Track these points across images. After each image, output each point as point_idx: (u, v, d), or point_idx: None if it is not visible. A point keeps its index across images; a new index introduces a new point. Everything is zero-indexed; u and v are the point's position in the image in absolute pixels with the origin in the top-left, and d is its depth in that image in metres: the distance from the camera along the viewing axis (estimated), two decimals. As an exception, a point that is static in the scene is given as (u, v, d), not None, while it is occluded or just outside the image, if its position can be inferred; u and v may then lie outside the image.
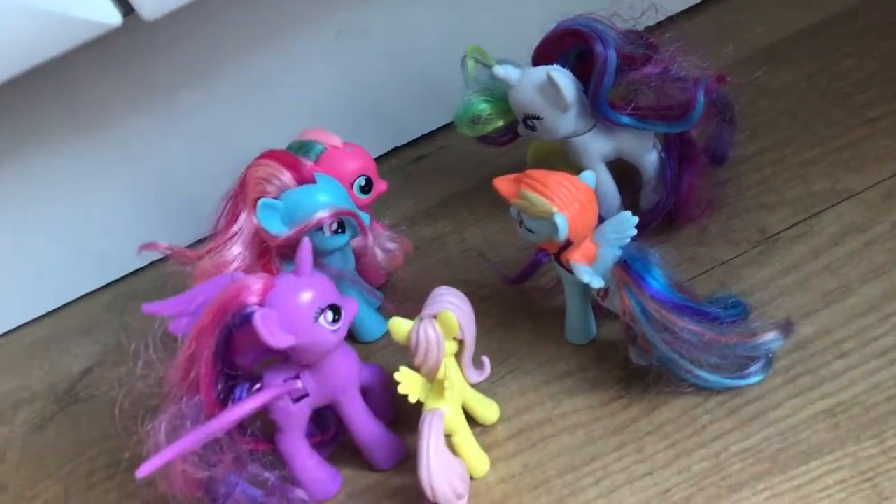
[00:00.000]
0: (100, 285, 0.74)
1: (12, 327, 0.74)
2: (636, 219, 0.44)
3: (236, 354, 0.43)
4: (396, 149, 0.74)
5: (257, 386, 0.44)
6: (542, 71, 0.50)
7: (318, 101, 0.71)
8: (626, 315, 0.43)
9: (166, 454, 0.40)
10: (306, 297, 0.42)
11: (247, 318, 0.41)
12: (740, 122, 0.54)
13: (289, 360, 0.44)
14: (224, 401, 0.43)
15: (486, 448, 0.47)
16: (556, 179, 0.44)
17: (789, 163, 0.55)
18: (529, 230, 0.45)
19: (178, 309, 0.44)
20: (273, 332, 0.40)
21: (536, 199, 0.44)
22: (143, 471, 0.40)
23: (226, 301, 0.41)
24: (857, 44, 0.61)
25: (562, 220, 0.43)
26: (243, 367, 0.43)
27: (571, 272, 0.46)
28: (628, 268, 0.43)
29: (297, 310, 0.41)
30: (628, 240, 0.45)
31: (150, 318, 0.67)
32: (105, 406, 0.61)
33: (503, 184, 0.45)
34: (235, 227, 0.51)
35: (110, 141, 0.69)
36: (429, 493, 0.41)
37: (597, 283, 0.44)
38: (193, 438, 0.40)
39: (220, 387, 0.42)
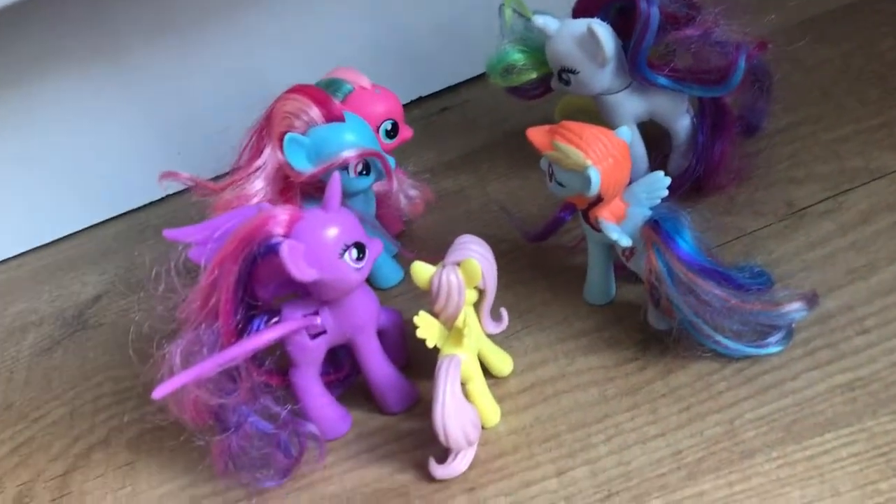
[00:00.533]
0: (112, 215, 0.74)
1: (24, 250, 0.73)
2: (668, 179, 0.44)
3: (258, 285, 0.42)
4: (420, 98, 0.73)
5: (276, 319, 0.43)
6: (583, 23, 0.49)
7: (346, 40, 0.69)
8: (652, 275, 0.43)
9: (182, 378, 0.40)
10: (333, 232, 0.41)
11: (272, 249, 0.40)
12: (776, 94, 0.53)
13: (309, 295, 0.44)
14: (242, 330, 0.42)
15: (498, 399, 0.47)
16: (593, 132, 0.43)
17: (822, 138, 0.54)
18: (560, 184, 0.45)
19: (201, 236, 0.44)
20: (298, 264, 0.40)
21: (571, 150, 0.43)
22: (158, 392, 0.40)
23: (252, 230, 0.40)
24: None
25: (595, 174, 0.42)
26: (263, 299, 0.43)
27: (598, 230, 0.45)
28: (658, 227, 0.42)
29: (322, 244, 0.41)
30: (659, 200, 0.44)
31: (160, 249, 0.67)
32: (113, 333, 0.61)
33: (537, 134, 0.45)
34: (259, 162, 0.50)
35: (133, 69, 0.68)
36: (442, 437, 0.41)
37: (625, 241, 0.44)
38: (210, 364, 0.40)
39: (239, 316, 0.42)
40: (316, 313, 0.44)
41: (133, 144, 0.71)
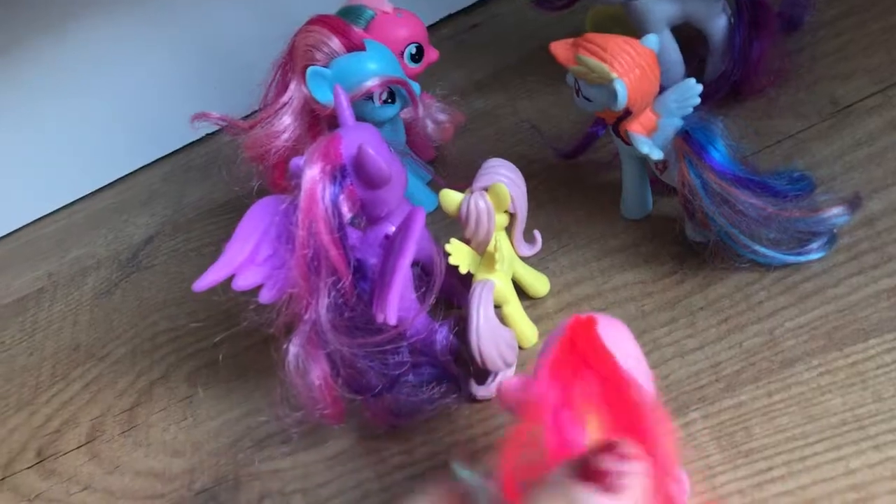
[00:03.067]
0: (158, 157, 0.75)
1: (77, 198, 0.76)
2: (700, 87, 0.42)
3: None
4: (450, 16, 0.71)
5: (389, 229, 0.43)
6: (606, -74, 0.46)
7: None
8: (685, 188, 0.42)
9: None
10: (371, 131, 0.42)
11: (344, 177, 0.40)
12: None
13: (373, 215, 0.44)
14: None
15: (536, 320, 0.47)
16: (617, 43, 0.42)
17: (870, 28, 0.51)
18: (587, 98, 0.44)
19: (236, 262, 0.42)
20: (384, 156, 0.40)
21: (595, 63, 0.42)
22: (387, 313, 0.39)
23: (326, 163, 0.39)
24: None
25: (621, 87, 0.41)
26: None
27: (629, 143, 0.44)
28: (689, 138, 0.41)
29: (377, 138, 0.42)
30: (691, 109, 0.42)
31: (206, 188, 0.69)
32: (165, 273, 0.63)
33: (560, 48, 0.43)
34: (285, 97, 0.50)
35: (160, 9, 0.68)
36: (478, 359, 0.42)
37: (656, 154, 0.43)
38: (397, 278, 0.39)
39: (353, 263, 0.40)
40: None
41: (170, 85, 0.72)
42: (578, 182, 0.53)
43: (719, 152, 0.40)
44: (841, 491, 0.36)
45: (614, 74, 0.41)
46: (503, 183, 0.43)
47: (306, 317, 0.40)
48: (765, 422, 0.39)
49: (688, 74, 0.52)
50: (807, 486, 0.36)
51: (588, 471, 0.25)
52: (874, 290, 0.41)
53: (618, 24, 0.54)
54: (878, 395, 0.38)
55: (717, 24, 0.50)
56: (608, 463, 0.25)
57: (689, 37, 0.51)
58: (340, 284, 0.40)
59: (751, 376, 0.41)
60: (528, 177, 0.55)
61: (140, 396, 0.55)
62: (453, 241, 0.44)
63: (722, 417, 0.40)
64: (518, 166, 0.55)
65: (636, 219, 0.49)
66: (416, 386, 0.44)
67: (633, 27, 0.51)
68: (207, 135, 0.73)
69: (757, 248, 0.42)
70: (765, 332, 0.42)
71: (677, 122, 0.42)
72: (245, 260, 0.42)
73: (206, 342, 0.55)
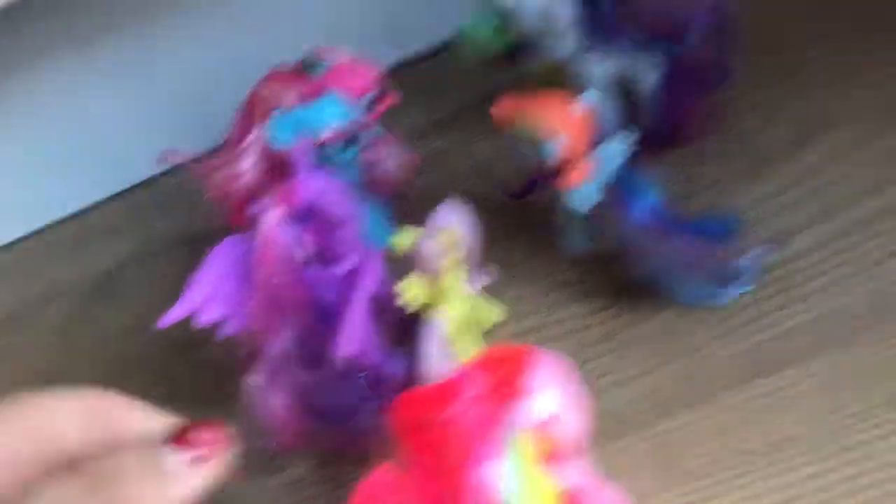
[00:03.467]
0: (125, 187, 0.76)
1: (39, 227, 0.77)
2: (628, 139, 0.45)
3: None
4: (408, 59, 0.74)
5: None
6: (544, -10, 0.50)
7: (331, 11, 0.71)
8: (615, 232, 0.45)
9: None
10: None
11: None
12: (745, 39, 0.54)
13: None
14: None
15: (486, 352, 0.50)
16: (551, 103, 0.45)
17: (796, 82, 0.55)
18: (525, 154, 0.47)
19: (200, 298, 0.44)
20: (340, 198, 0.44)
21: (531, 123, 0.45)
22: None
23: (283, 206, 0.43)
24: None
25: (553, 145, 0.44)
26: None
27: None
28: (619, 187, 0.45)
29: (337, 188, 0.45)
30: (622, 160, 0.46)
31: (173, 219, 0.71)
32: (130, 305, 0.65)
33: (499, 110, 0.47)
34: (247, 142, 0.53)
35: (132, 45, 0.70)
36: (430, 391, 0.45)
37: (588, 203, 0.46)
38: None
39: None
40: None
41: (139, 116, 0.73)
42: (528, 220, 0.57)
43: (647, 201, 0.44)
44: None
45: (549, 133, 0.44)
46: (454, 223, 0.46)
47: (267, 351, 0.43)
48: (698, 445, 0.42)
49: (625, 127, 0.56)
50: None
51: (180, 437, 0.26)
52: (795, 323, 0.45)
53: (563, 74, 0.58)
54: (799, 420, 0.42)
55: (650, 80, 0.54)
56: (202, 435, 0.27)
57: (626, 91, 0.55)
58: (299, 321, 0.43)
59: (685, 403, 0.44)
60: (482, 214, 0.58)
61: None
62: (406, 278, 0.47)
63: (657, 441, 0.43)
64: (473, 204, 0.59)
65: (577, 256, 0.52)
66: (375, 414, 0.46)
67: (573, 83, 0.55)
68: (177, 167, 0.75)
69: (686, 286, 0.46)
70: (697, 361, 0.45)
71: (609, 172, 0.46)
72: (208, 296, 0.44)
73: (172, 372, 0.57)
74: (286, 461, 0.49)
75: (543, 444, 0.31)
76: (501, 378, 0.31)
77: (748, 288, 0.47)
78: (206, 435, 0.27)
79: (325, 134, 0.50)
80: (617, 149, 0.45)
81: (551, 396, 0.32)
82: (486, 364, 0.31)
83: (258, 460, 0.48)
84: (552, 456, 0.32)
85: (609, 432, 0.44)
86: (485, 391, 0.30)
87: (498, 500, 0.28)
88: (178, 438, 0.26)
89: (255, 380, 0.43)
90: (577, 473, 0.34)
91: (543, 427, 0.31)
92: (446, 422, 0.29)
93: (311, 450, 0.48)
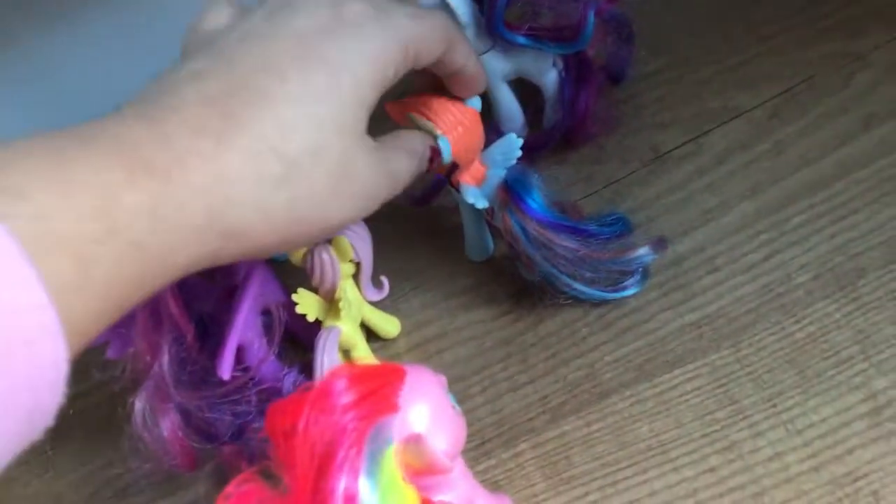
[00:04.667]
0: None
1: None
2: (521, 140, 0.46)
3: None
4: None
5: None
6: (437, -8, 0.50)
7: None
8: (508, 234, 0.45)
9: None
10: None
11: None
12: (640, 40, 0.54)
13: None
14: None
15: (387, 360, 0.50)
16: (441, 104, 0.45)
17: (686, 81, 0.56)
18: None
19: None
20: None
21: (422, 122, 0.45)
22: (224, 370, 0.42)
23: None
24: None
25: (445, 143, 0.44)
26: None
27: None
28: (509, 189, 0.45)
29: None
30: (514, 161, 0.46)
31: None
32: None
33: (393, 108, 0.46)
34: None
35: (23, 59, 0.68)
36: (321, 405, 0.44)
37: (481, 203, 0.46)
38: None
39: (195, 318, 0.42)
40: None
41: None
42: (429, 227, 0.56)
43: (536, 202, 0.44)
44: (644, 511, 0.40)
45: (438, 132, 0.44)
46: (345, 235, 0.46)
47: (151, 371, 0.42)
48: (584, 450, 0.43)
49: (530, 123, 0.56)
50: (625, 505, 0.40)
51: None
52: (680, 323, 0.46)
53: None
54: (678, 420, 0.42)
55: (549, 78, 0.54)
56: None
57: (530, 88, 0.55)
58: (182, 339, 0.42)
59: (573, 408, 0.44)
60: (384, 222, 0.57)
61: None
62: (300, 290, 0.47)
63: (547, 447, 0.44)
64: (375, 212, 0.58)
65: (478, 261, 0.53)
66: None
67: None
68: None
69: (576, 286, 0.46)
70: (586, 365, 0.46)
71: (501, 173, 0.46)
72: None
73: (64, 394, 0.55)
74: (184, 482, 0.48)
75: (412, 459, 0.31)
76: (368, 392, 0.30)
77: (638, 289, 0.47)
78: None
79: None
80: (508, 148, 0.45)
81: (419, 413, 0.32)
82: (353, 377, 0.31)
83: (152, 484, 0.48)
84: (423, 470, 0.32)
85: (501, 439, 0.44)
86: (350, 403, 0.30)
87: None
88: None
89: (139, 403, 0.42)
90: (450, 487, 0.34)
91: (411, 442, 0.31)
92: (306, 429, 0.29)
93: (208, 470, 0.48)
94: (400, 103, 0.46)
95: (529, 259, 0.46)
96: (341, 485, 0.28)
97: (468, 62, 0.41)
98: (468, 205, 0.50)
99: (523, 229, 0.45)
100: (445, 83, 0.43)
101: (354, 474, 0.28)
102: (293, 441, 0.29)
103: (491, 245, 0.53)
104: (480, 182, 0.47)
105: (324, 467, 0.28)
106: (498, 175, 0.46)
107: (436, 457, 0.31)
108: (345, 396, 0.30)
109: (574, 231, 0.45)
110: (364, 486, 0.28)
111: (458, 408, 0.35)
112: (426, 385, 0.34)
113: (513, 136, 0.46)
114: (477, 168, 0.47)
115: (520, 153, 0.46)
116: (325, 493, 0.27)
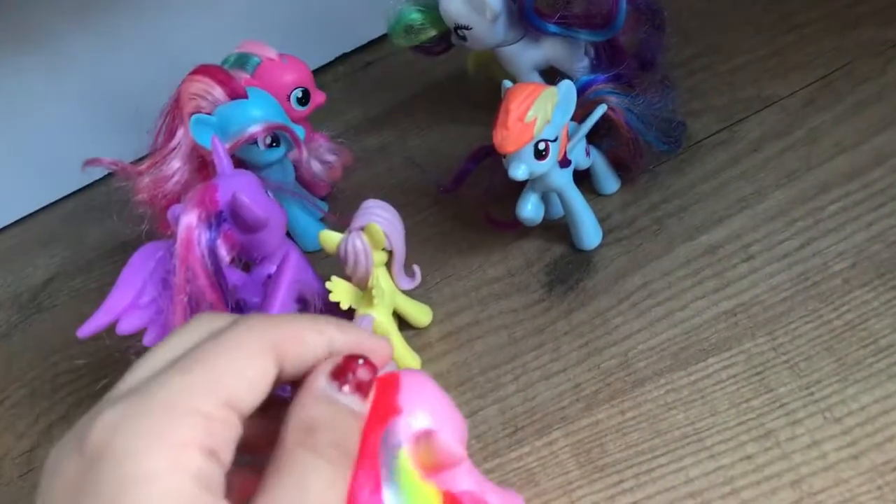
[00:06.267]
0: (58, 197, 0.76)
1: (-24, 240, 0.76)
2: (568, 82, 0.45)
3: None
4: (344, 55, 0.74)
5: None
6: (468, -20, 0.50)
7: (269, 4, 0.70)
8: (620, 126, 0.48)
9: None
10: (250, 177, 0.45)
11: (220, 222, 0.42)
12: (672, 28, 0.54)
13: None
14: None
15: (419, 349, 0.50)
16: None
17: (718, 69, 0.56)
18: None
19: (119, 307, 0.43)
20: (259, 200, 0.43)
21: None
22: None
23: (201, 209, 0.42)
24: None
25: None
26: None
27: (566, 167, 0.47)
28: (593, 96, 0.48)
29: (254, 184, 0.45)
30: (574, 100, 0.45)
31: (107, 228, 0.70)
32: (66, 314, 0.64)
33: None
34: (174, 143, 0.52)
35: (56, 56, 0.69)
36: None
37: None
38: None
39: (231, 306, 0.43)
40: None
41: (69, 127, 0.72)
42: (461, 215, 0.57)
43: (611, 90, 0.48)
44: (680, 498, 0.39)
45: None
46: (378, 223, 0.46)
47: None
48: (618, 438, 0.43)
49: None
50: (652, 496, 0.40)
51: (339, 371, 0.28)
52: (715, 312, 0.45)
53: (498, 63, 0.58)
54: (714, 409, 0.42)
55: (579, 67, 0.54)
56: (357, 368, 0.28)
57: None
58: None
59: (607, 396, 0.44)
60: (417, 211, 0.58)
61: (39, 438, 0.56)
62: (334, 278, 0.47)
63: (581, 435, 0.43)
64: (406, 201, 0.58)
65: (594, 247, 0.51)
66: None
67: (506, 70, 0.55)
68: (108, 175, 0.74)
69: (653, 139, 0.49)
70: (620, 354, 0.46)
71: (568, 118, 0.45)
72: (128, 305, 0.44)
73: (105, 382, 0.56)
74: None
75: (425, 456, 0.31)
76: (373, 405, 0.30)
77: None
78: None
79: (251, 132, 0.50)
80: (566, 93, 0.45)
81: (421, 410, 0.31)
82: None
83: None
84: (437, 466, 0.31)
85: (534, 427, 0.44)
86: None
87: None
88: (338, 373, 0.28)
89: None
90: (466, 478, 0.33)
91: (422, 439, 0.30)
92: None
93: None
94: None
95: (632, 131, 0.48)
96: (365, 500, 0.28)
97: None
98: (569, 185, 0.49)
99: (627, 108, 0.48)
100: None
101: (377, 488, 0.28)
102: None
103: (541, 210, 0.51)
104: (571, 142, 0.47)
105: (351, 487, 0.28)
106: (570, 124, 0.47)
107: (449, 447, 0.31)
108: None
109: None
110: (387, 496, 0.28)
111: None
112: (420, 383, 0.33)
113: (563, 83, 0.45)
114: (563, 140, 0.46)
115: (575, 91, 0.45)
116: None
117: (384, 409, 0.29)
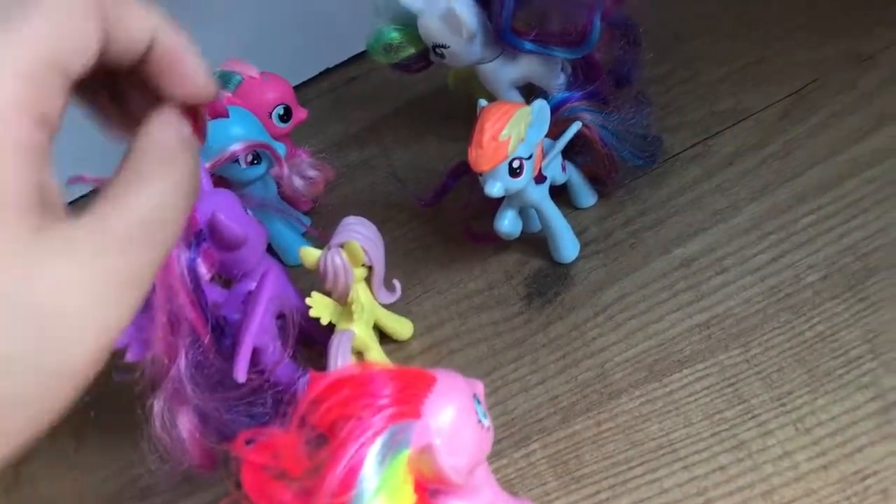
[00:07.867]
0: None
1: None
2: (541, 102, 0.46)
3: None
4: (327, 70, 0.74)
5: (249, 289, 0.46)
6: (444, 1, 0.50)
7: (252, 21, 0.71)
8: (594, 141, 0.48)
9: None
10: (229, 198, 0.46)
11: (199, 241, 0.43)
12: (648, 43, 0.55)
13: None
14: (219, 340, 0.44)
15: (401, 362, 0.51)
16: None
17: (695, 83, 0.57)
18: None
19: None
20: (239, 218, 0.43)
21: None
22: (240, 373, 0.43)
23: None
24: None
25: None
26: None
27: (541, 182, 0.48)
28: (566, 114, 0.49)
29: (233, 202, 0.45)
30: (549, 116, 0.46)
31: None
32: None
33: None
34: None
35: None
36: (335, 407, 0.45)
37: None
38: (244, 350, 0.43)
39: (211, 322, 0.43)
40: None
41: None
42: (442, 229, 0.57)
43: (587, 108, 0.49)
44: (655, 509, 0.40)
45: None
46: (357, 240, 0.47)
47: (169, 374, 0.43)
48: (594, 449, 0.43)
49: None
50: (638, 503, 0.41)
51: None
52: (689, 324, 0.46)
53: (478, 81, 0.58)
54: (688, 420, 0.43)
55: (556, 84, 0.54)
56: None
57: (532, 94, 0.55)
58: (200, 342, 0.43)
59: (583, 407, 0.45)
60: (397, 225, 0.58)
61: (25, 453, 0.56)
62: (314, 294, 0.48)
63: (558, 447, 0.44)
64: (388, 215, 0.59)
65: (571, 260, 0.51)
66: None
67: (485, 88, 0.56)
68: (93, 191, 0.74)
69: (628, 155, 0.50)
70: (596, 366, 0.46)
71: (542, 136, 0.47)
72: None
73: (86, 397, 0.56)
74: (205, 482, 0.49)
75: (423, 468, 0.31)
76: (397, 393, 0.31)
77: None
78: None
79: (232, 150, 0.50)
80: (540, 112, 0.46)
81: (440, 424, 0.32)
82: (392, 375, 0.31)
83: (172, 484, 0.49)
84: (433, 480, 0.32)
85: (513, 439, 0.45)
86: (383, 396, 0.30)
87: (353, 488, 0.29)
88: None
89: (158, 405, 0.43)
90: (473, 493, 0.34)
91: (424, 452, 0.31)
92: (339, 403, 0.30)
93: (222, 473, 0.48)
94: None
95: (607, 146, 0.49)
96: (351, 460, 0.29)
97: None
98: (545, 199, 0.50)
99: (601, 125, 0.48)
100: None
101: (363, 452, 0.29)
102: (323, 407, 0.30)
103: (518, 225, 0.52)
104: (546, 159, 0.48)
105: (342, 438, 0.29)
106: (545, 141, 0.48)
107: (442, 471, 0.31)
108: (383, 389, 0.31)
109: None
110: (369, 466, 0.29)
111: (486, 421, 0.33)
112: (454, 396, 0.32)
113: (536, 102, 0.45)
114: (538, 157, 0.47)
115: (549, 110, 0.46)
116: (335, 459, 0.28)
117: (406, 407, 0.30)
